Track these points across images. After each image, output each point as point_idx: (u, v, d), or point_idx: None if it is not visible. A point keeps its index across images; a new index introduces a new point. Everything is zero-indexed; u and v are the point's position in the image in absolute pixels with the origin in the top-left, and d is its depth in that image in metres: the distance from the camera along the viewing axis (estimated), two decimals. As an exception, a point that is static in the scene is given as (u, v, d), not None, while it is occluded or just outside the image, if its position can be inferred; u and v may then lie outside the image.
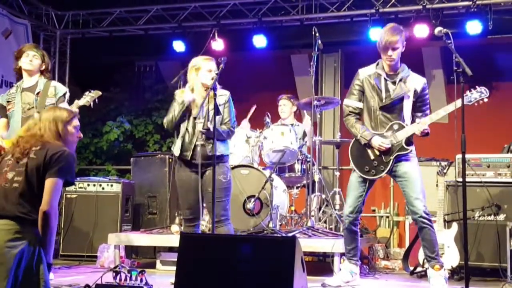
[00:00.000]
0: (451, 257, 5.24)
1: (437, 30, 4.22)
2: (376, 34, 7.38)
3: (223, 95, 4.48)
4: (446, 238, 5.30)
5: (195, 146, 4.40)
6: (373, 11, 7.48)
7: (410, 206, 4.49)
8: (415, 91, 4.55)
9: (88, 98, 5.08)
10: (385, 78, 4.57)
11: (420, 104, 4.59)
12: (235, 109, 4.62)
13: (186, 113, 4.44)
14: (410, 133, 4.49)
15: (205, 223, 5.70)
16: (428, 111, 4.58)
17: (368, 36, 7.49)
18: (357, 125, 4.61)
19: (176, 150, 4.49)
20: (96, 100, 5.12)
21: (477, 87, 4.44)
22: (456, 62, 4.00)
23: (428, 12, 7.26)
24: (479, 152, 5.63)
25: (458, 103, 4.20)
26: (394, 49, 4.45)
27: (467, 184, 4.12)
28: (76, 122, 3.51)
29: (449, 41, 4.12)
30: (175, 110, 4.44)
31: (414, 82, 4.58)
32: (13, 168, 3.29)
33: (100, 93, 5.15)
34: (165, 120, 4.52)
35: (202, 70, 4.45)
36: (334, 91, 8.55)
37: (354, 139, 4.68)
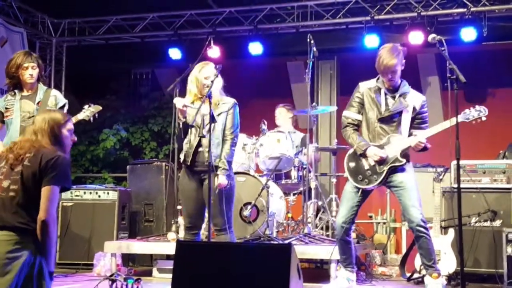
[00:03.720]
0: (448, 263, 5.24)
1: (431, 37, 4.23)
2: (372, 41, 7.43)
3: (227, 103, 4.47)
4: (442, 244, 5.30)
5: (196, 152, 4.39)
6: (368, 18, 7.49)
7: (407, 214, 4.46)
8: (413, 108, 4.56)
9: (88, 112, 5.05)
10: (385, 92, 4.59)
11: (419, 122, 4.58)
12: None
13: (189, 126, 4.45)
14: (407, 145, 4.48)
15: (202, 231, 5.69)
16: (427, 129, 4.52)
17: (363, 43, 7.51)
18: (354, 136, 4.61)
19: (181, 155, 4.51)
20: (96, 115, 5.09)
21: (476, 106, 4.41)
22: (450, 69, 4.01)
23: (423, 19, 7.29)
24: (474, 158, 5.65)
25: (453, 120, 4.15)
26: (393, 72, 4.48)
27: (463, 190, 4.14)
28: (70, 125, 3.49)
29: (442, 48, 4.12)
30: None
31: (414, 99, 4.59)
32: (7, 176, 3.24)
33: (100, 108, 5.12)
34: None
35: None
36: (330, 98, 8.57)
37: (350, 149, 4.68)
